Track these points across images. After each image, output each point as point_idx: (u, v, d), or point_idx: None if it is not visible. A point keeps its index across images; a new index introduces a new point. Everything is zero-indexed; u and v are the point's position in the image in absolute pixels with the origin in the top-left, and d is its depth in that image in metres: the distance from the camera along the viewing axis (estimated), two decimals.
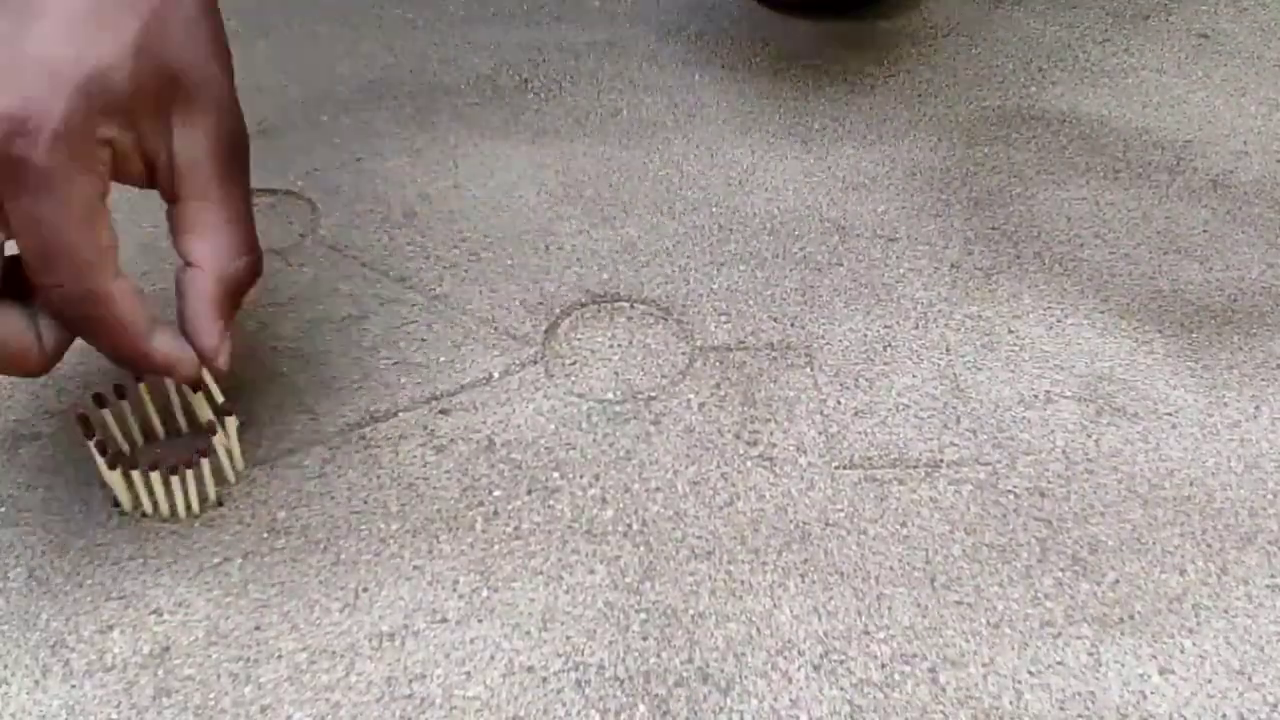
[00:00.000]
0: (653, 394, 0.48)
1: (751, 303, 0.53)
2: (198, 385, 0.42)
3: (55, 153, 0.35)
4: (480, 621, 0.40)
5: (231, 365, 0.41)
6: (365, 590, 0.41)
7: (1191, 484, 0.45)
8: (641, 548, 0.43)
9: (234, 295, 0.42)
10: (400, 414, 0.47)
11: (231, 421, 0.43)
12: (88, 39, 0.36)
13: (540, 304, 0.52)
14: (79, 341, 0.48)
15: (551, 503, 0.44)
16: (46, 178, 0.35)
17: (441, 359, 0.49)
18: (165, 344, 0.40)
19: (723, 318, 0.52)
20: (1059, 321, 0.52)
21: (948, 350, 0.51)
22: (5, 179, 0.35)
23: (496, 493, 0.44)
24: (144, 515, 0.43)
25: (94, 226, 0.36)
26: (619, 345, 0.51)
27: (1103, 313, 0.53)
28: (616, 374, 0.49)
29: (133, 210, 0.55)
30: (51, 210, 0.35)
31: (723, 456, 0.46)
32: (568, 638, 0.40)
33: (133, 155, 0.38)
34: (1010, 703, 0.38)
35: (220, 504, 0.43)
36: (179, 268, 0.41)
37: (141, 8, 0.38)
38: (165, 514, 0.43)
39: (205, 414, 0.43)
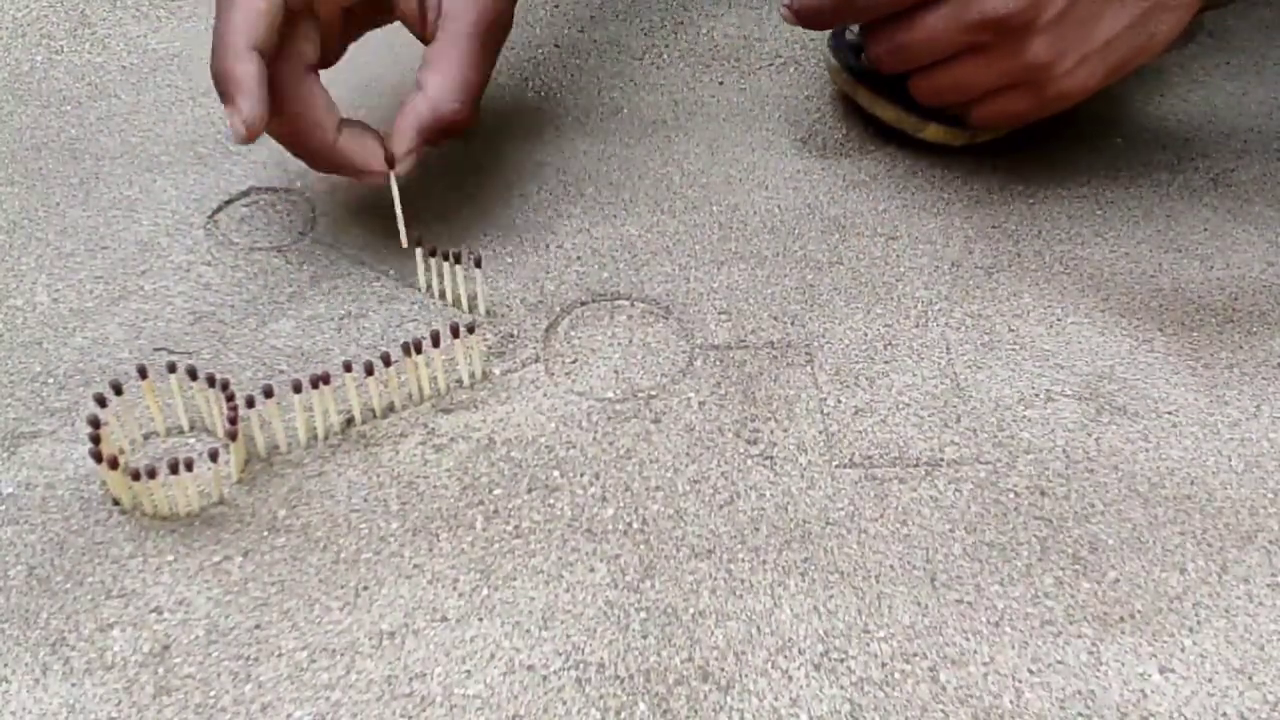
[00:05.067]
0: (653, 392, 0.48)
1: (752, 301, 0.53)
2: (379, 178, 0.50)
3: None
4: (480, 620, 0.40)
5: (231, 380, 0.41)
6: (365, 588, 0.41)
7: (1192, 483, 0.45)
8: (642, 546, 0.43)
9: (438, 127, 0.51)
10: (400, 412, 0.47)
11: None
12: None
13: (540, 302, 0.52)
14: (79, 339, 0.49)
15: (552, 501, 0.44)
16: None
17: (441, 357, 0.49)
18: (350, 140, 0.50)
19: (723, 316, 0.52)
20: (1059, 320, 0.52)
21: (948, 349, 0.51)
22: None
23: (496, 491, 0.44)
24: (144, 513, 0.43)
25: (250, 25, 0.45)
26: (619, 343, 0.51)
27: (1103, 311, 0.53)
28: (617, 372, 0.49)
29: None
30: (223, 5, 0.46)
31: (723, 455, 0.46)
32: (568, 636, 0.40)
33: None
34: (1010, 701, 0.38)
35: (220, 502, 0.43)
36: (412, 91, 0.51)
37: None
38: (165, 512, 0.43)
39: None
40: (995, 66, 0.53)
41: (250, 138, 0.46)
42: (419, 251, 0.51)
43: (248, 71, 0.45)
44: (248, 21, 0.46)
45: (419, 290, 0.52)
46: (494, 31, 0.52)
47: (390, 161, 0.50)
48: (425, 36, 0.52)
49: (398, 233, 0.52)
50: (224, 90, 0.46)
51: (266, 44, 0.46)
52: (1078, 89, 0.54)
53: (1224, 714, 0.38)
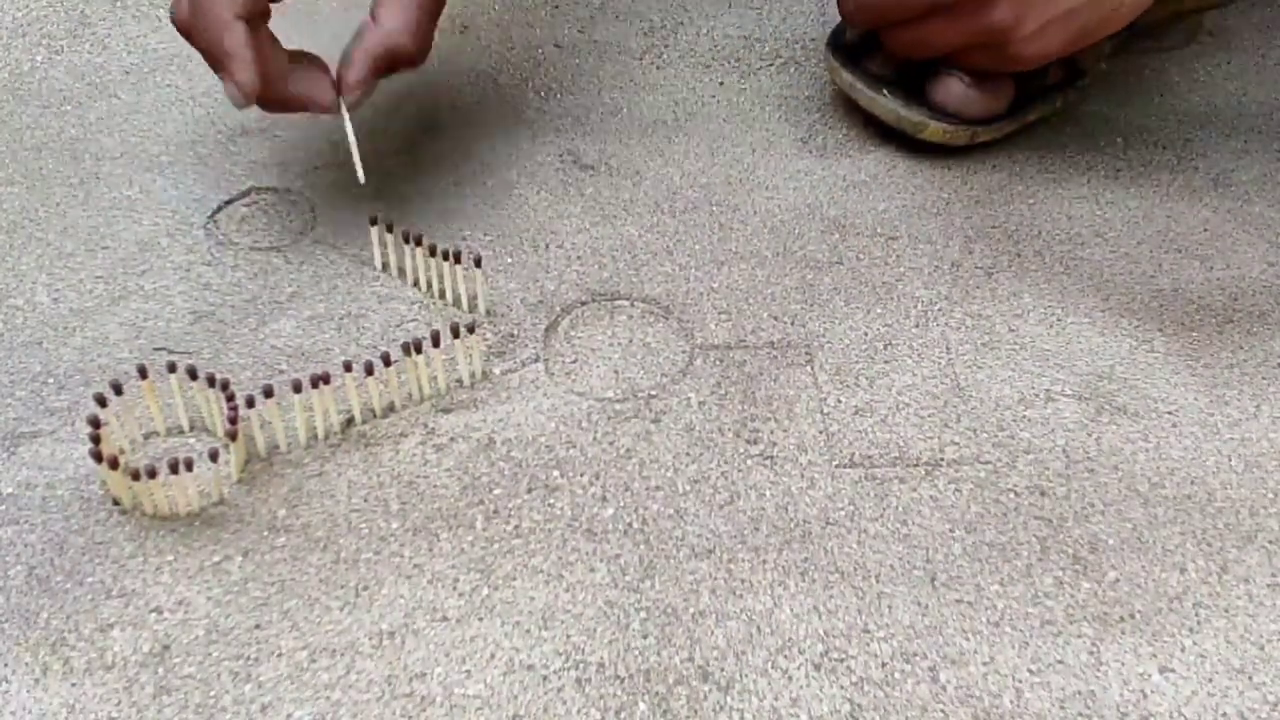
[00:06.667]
0: (653, 392, 0.48)
1: (752, 301, 0.53)
2: (330, 110, 0.52)
3: None
4: (480, 620, 0.40)
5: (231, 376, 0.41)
6: (365, 588, 0.41)
7: (1192, 483, 0.45)
8: (642, 546, 0.43)
9: (388, 60, 0.52)
10: (400, 412, 0.47)
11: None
12: None
13: (540, 302, 0.52)
14: (79, 339, 0.49)
15: (552, 501, 0.44)
16: None
17: (441, 357, 0.49)
18: (299, 81, 0.51)
19: (723, 316, 0.52)
20: (1059, 320, 0.52)
21: (948, 349, 0.51)
22: None
23: (497, 491, 0.44)
24: (144, 513, 0.43)
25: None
26: (619, 343, 0.51)
27: (1103, 311, 0.53)
28: (617, 372, 0.49)
29: None
30: None
31: (723, 455, 0.46)
32: (568, 636, 0.40)
33: None
34: (1010, 701, 0.38)
35: (220, 502, 0.43)
36: (364, 20, 0.53)
37: None
38: (165, 512, 0.43)
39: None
40: (959, 26, 0.54)
41: (249, 103, 0.49)
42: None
43: (238, 41, 0.47)
44: None
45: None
46: None
47: (339, 88, 0.52)
48: None
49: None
50: (216, 61, 0.49)
51: (250, 11, 0.48)
52: (1036, 54, 0.55)
53: (1224, 714, 0.38)
